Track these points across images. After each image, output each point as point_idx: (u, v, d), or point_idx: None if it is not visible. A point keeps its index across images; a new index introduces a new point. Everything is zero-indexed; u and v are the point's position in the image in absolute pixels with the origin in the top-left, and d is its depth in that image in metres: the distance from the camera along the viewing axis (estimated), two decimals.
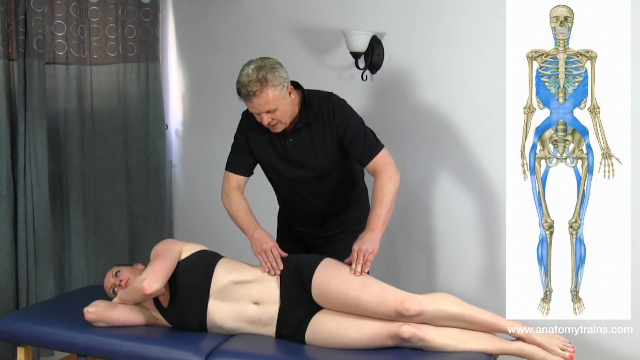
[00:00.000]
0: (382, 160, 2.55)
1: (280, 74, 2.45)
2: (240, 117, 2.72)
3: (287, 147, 2.59)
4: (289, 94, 2.49)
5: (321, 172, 2.61)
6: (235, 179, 2.68)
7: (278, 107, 2.46)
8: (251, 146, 2.66)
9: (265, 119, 2.47)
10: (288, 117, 2.52)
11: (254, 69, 2.42)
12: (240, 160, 2.69)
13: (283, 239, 2.81)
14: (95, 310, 2.51)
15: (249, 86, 2.41)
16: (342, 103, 2.61)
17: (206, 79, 3.88)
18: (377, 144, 2.59)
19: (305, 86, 2.73)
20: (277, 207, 2.90)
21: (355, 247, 2.44)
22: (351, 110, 2.60)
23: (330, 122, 2.56)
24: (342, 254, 2.54)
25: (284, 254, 2.55)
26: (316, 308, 2.46)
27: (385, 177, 2.51)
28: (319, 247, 2.74)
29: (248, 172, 2.71)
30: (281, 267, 2.50)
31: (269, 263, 2.50)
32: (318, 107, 2.57)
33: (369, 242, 2.43)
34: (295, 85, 2.58)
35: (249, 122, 2.65)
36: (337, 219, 2.74)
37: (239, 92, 2.46)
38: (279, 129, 2.53)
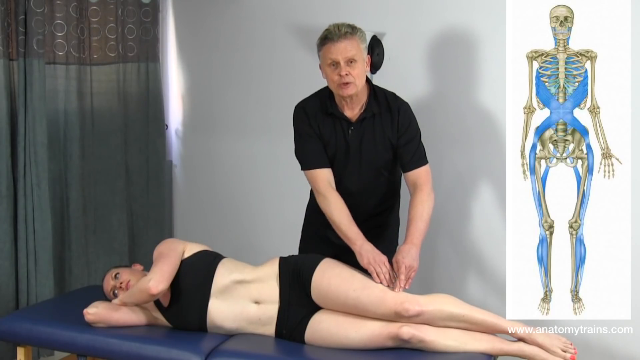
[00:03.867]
0: (426, 175, 2.56)
1: (365, 38, 2.51)
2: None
3: (348, 135, 2.57)
4: (366, 64, 2.51)
5: (375, 167, 2.60)
6: (323, 174, 2.56)
7: (357, 62, 2.45)
8: (319, 130, 2.58)
9: (344, 69, 2.43)
10: (360, 83, 2.49)
11: (343, 23, 2.48)
12: (317, 152, 2.57)
13: (308, 239, 2.78)
14: (95, 312, 2.51)
15: (341, 28, 2.44)
16: (407, 104, 2.61)
17: (206, 79, 3.88)
18: (425, 157, 2.60)
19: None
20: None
21: (404, 261, 2.37)
22: (413, 114, 2.61)
23: (394, 119, 2.55)
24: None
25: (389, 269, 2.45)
26: (315, 308, 2.46)
27: (425, 192, 2.52)
28: (345, 249, 2.64)
29: (329, 163, 2.58)
30: (394, 281, 2.37)
31: (383, 274, 2.38)
32: (384, 101, 2.56)
33: (413, 259, 2.39)
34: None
35: (309, 110, 2.60)
36: (373, 221, 2.68)
37: (325, 38, 2.45)
38: (350, 90, 2.47)
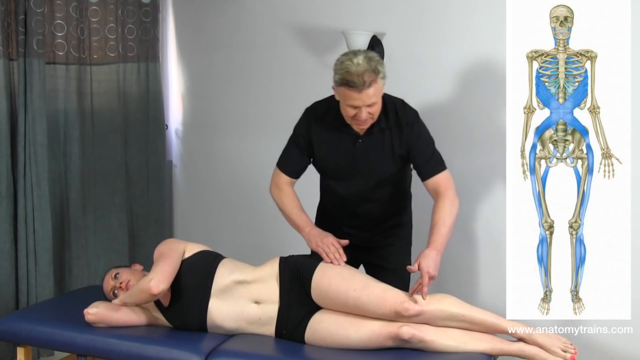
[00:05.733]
0: (446, 181, 2.51)
1: (384, 68, 2.37)
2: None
3: (356, 149, 2.51)
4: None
5: (383, 178, 2.56)
6: (287, 178, 2.64)
7: (377, 102, 2.38)
8: (314, 143, 2.56)
9: (364, 113, 2.36)
10: (376, 115, 2.43)
11: (364, 58, 2.31)
12: (294, 160, 2.62)
13: None
14: (95, 312, 2.51)
15: (365, 76, 2.29)
16: (416, 114, 2.54)
17: (206, 79, 3.88)
18: (443, 163, 2.55)
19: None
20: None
21: (429, 270, 2.31)
22: (423, 123, 2.56)
23: (403, 132, 2.49)
24: (392, 259, 2.56)
25: (344, 242, 2.52)
26: (316, 308, 2.46)
27: (448, 198, 2.48)
28: (367, 251, 2.65)
29: (298, 176, 2.65)
30: (344, 258, 2.47)
31: (332, 254, 2.47)
32: (394, 114, 2.49)
33: (436, 268, 2.34)
34: None
35: (315, 118, 2.56)
36: (388, 223, 2.68)
37: (347, 83, 2.31)
38: (365, 126, 2.44)
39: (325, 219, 2.76)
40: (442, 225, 2.43)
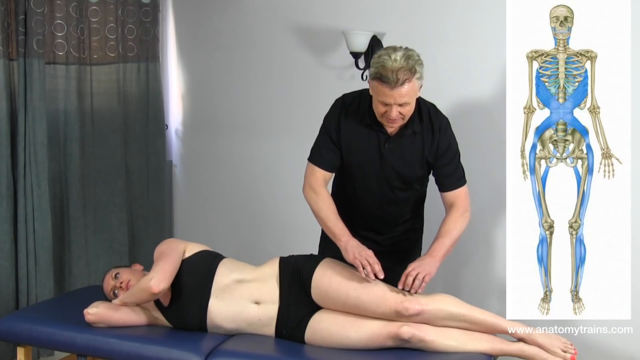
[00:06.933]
0: (464, 197, 2.51)
1: (422, 69, 2.32)
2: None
3: (383, 149, 2.47)
4: (418, 91, 2.36)
5: (408, 180, 2.53)
6: (322, 174, 2.52)
7: (410, 103, 2.32)
8: (342, 136, 2.49)
9: (395, 112, 2.31)
10: (408, 117, 2.38)
11: (402, 56, 2.26)
12: (328, 154, 2.51)
13: (328, 243, 2.62)
14: (95, 312, 2.51)
15: (400, 73, 2.23)
16: (448, 121, 2.52)
17: (206, 79, 3.88)
18: (464, 177, 2.54)
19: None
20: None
21: (414, 265, 2.36)
22: (453, 132, 2.53)
23: (435, 137, 2.46)
24: (404, 263, 2.50)
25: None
26: (316, 308, 2.46)
27: (460, 212, 2.48)
28: (380, 254, 2.51)
29: (334, 169, 2.55)
30: (382, 275, 2.35)
31: (369, 266, 2.35)
32: (428, 118, 2.47)
33: (427, 265, 2.35)
34: None
35: (346, 110, 2.49)
36: (403, 227, 2.66)
37: (380, 78, 2.26)
38: (396, 125, 2.40)
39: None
40: (448, 237, 2.44)
